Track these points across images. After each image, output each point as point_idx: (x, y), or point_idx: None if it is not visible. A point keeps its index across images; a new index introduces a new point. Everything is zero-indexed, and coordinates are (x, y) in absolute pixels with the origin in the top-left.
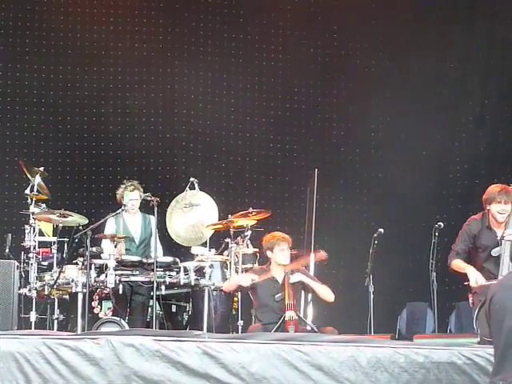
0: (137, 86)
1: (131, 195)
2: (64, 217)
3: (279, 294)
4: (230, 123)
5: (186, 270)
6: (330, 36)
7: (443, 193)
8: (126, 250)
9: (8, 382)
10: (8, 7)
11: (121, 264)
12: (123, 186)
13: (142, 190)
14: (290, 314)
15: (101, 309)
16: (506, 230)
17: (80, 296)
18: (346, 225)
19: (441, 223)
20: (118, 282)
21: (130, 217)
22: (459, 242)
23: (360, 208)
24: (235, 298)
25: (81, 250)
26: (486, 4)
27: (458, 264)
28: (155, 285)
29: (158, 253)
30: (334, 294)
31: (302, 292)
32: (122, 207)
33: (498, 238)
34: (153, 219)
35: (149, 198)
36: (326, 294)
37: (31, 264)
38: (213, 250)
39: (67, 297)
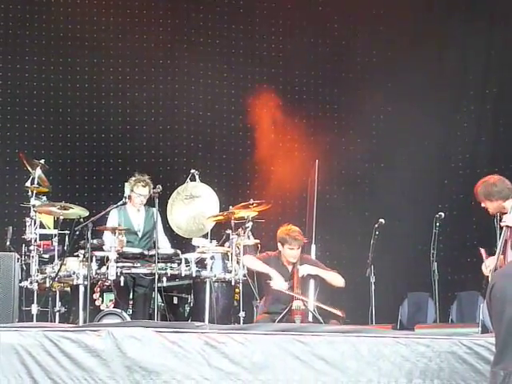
0: (137, 78)
1: (142, 191)
2: (65, 209)
3: (288, 283)
4: (230, 115)
5: (187, 262)
6: (331, 26)
7: (445, 182)
8: (129, 242)
9: (10, 374)
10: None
11: (122, 256)
12: (134, 178)
13: (152, 185)
14: (297, 304)
15: (102, 301)
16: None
17: (81, 288)
18: (347, 215)
19: (442, 213)
20: (119, 274)
21: (133, 209)
22: None
23: (361, 198)
24: (237, 290)
25: (82, 242)
26: (485, 4)
27: None
28: (157, 277)
29: (165, 245)
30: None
31: (312, 282)
32: (124, 199)
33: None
34: (155, 211)
35: (158, 190)
36: (336, 279)
37: (32, 257)
38: (214, 242)
39: (68, 289)
